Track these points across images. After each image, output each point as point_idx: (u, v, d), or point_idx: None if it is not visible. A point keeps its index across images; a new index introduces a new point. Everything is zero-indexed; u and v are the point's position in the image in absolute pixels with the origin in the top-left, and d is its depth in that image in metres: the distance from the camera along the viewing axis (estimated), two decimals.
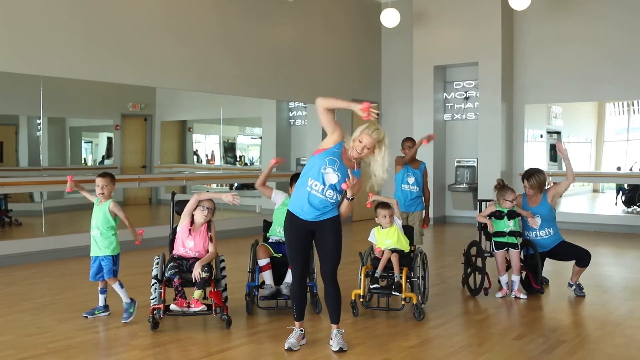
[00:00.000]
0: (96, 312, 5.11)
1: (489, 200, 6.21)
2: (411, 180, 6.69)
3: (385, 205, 5.35)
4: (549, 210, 5.98)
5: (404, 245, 5.25)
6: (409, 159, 6.70)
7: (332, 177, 4.10)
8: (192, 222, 4.90)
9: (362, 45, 12.79)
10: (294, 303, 4.36)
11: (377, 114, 4.07)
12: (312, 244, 4.30)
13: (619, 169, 11.29)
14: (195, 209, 4.90)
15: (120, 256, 5.13)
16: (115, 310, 5.15)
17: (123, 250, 5.24)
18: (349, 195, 4.11)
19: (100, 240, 5.00)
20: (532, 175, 6.00)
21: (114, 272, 5.03)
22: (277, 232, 5.35)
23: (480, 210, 6.21)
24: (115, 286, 5.01)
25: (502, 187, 5.93)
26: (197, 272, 4.65)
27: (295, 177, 5.24)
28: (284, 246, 5.25)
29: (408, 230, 5.47)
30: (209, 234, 4.89)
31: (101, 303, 5.14)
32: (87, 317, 5.07)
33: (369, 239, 5.38)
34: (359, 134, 4.07)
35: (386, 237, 5.24)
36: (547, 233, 5.97)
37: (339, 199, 4.19)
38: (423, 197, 6.80)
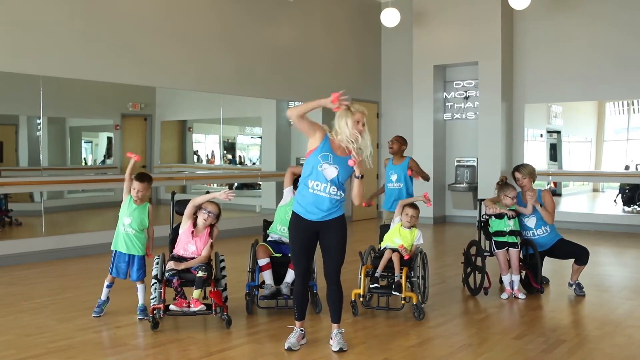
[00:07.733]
0: (103, 308, 5.14)
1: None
2: (394, 177, 6.65)
3: (414, 205, 5.37)
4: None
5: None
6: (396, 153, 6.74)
7: (331, 172, 4.12)
8: (195, 225, 4.91)
9: (362, 45, 12.78)
10: (296, 303, 4.35)
11: (348, 101, 4.09)
12: (316, 244, 4.30)
13: (627, 168, 11.26)
14: (196, 212, 4.90)
15: None
16: (116, 308, 5.19)
17: None
18: (357, 173, 4.10)
19: (134, 240, 5.07)
20: (519, 166, 6.11)
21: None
22: (278, 230, 5.31)
23: (480, 211, 6.20)
24: (141, 287, 5.09)
25: (504, 184, 5.96)
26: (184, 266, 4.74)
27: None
28: (284, 246, 5.26)
29: None
30: (210, 239, 4.90)
31: (104, 297, 5.15)
32: (98, 316, 5.08)
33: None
34: (350, 118, 4.08)
35: (400, 236, 5.24)
36: (544, 231, 5.97)
37: (343, 195, 4.19)
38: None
